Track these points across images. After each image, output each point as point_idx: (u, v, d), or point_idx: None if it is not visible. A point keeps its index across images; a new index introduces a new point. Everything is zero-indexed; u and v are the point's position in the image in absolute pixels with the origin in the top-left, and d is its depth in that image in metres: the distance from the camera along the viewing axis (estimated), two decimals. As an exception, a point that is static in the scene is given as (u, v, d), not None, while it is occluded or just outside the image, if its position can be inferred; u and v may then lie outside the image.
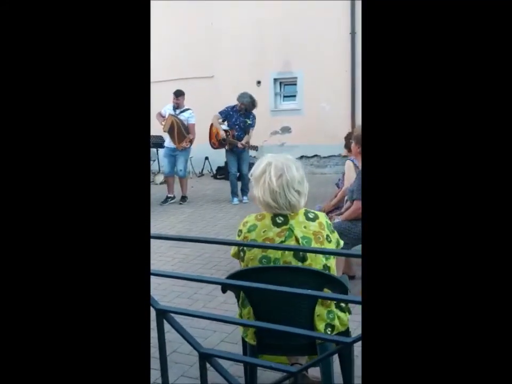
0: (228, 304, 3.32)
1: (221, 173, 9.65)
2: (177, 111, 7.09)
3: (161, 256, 4.67)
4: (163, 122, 6.98)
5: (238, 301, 2.07)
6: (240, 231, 2.01)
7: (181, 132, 6.92)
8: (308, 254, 1.92)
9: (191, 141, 7.03)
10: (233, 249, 2.08)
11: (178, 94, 7.05)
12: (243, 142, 6.94)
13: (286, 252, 1.91)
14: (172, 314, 1.36)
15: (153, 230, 5.45)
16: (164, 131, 6.98)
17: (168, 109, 7.13)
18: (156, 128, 8.04)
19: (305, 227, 1.94)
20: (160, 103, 7.38)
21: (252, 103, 6.93)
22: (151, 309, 1.26)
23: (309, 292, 1.56)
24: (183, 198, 7.33)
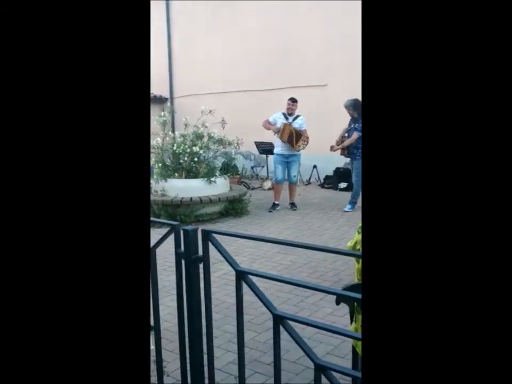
0: (335, 316, 3.24)
1: (329, 182, 9.54)
2: (290, 119, 7.15)
3: (267, 261, 4.71)
4: (277, 132, 7.06)
5: (352, 314, 1.99)
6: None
7: (299, 139, 7.02)
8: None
9: (307, 141, 7.08)
10: (352, 241, 2.01)
11: (295, 100, 7.14)
12: (344, 145, 6.85)
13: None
14: (289, 321, 1.34)
15: (261, 235, 5.54)
16: (283, 141, 7.07)
17: (278, 118, 7.20)
18: (266, 136, 8.21)
19: None
20: (271, 110, 7.50)
21: (354, 106, 6.77)
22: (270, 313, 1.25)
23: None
24: (293, 205, 7.37)
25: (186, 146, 6.74)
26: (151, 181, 7.11)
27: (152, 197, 6.75)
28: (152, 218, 4.62)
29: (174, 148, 6.81)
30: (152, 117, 8.89)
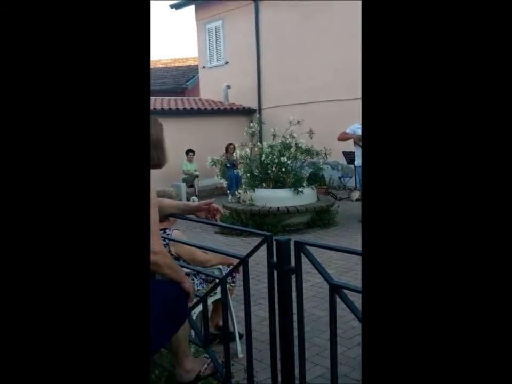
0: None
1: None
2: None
3: (356, 274, 4.60)
4: (359, 140, 6.90)
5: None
6: None
7: None
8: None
9: None
10: None
11: None
12: None
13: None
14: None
15: (349, 247, 5.42)
16: None
17: (357, 128, 7.02)
18: (354, 146, 8.04)
19: None
20: (358, 120, 7.34)
21: None
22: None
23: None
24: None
25: (274, 156, 6.81)
26: (239, 191, 7.26)
27: (240, 207, 6.88)
28: (242, 228, 4.68)
29: (262, 158, 6.90)
30: (240, 128, 9.13)
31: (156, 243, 1.79)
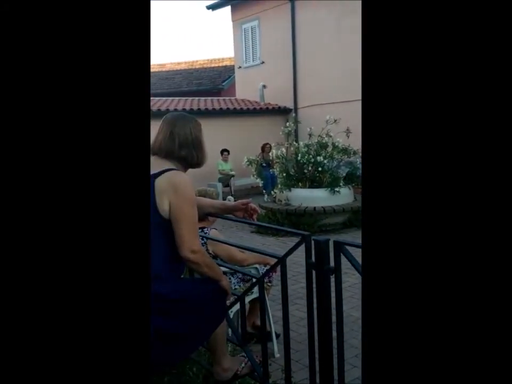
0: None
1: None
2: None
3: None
4: None
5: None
6: None
7: None
8: None
9: None
10: None
11: None
12: None
13: None
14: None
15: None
16: None
17: None
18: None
19: None
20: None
21: None
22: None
23: None
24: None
25: (311, 156, 6.77)
26: (275, 191, 7.25)
27: (275, 206, 6.87)
28: (280, 227, 4.66)
29: (298, 158, 6.87)
30: (276, 128, 9.11)
31: (195, 242, 1.80)
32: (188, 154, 1.93)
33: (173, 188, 1.79)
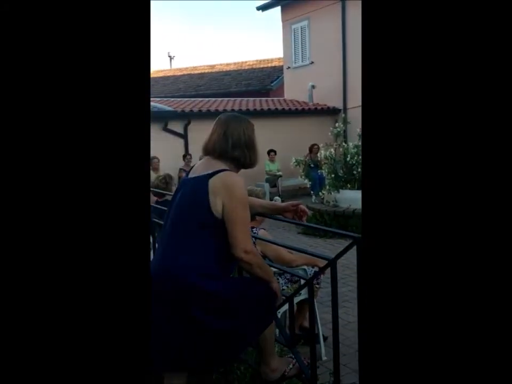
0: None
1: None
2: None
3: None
4: None
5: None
6: None
7: None
8: None
9: None
10: None
11: None
12: None
13: None
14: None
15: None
16: None
17: None
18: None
19: None
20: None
21: None
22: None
23: None
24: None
25: (360, 157, 6.66)
26: (323, 192, 7.20)
27: (323, 207, 6.82)
28: (331, 229, 4.58)
29: (347, 159, 6.79)
30: (325, 128, 9.04)
31: (247, 242, 1.81)
32: (241, 154, 1.94)
33: (227, 189, 1.81)
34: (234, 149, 1.93)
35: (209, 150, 1.95)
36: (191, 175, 1.99)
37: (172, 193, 3.88)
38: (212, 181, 1.82)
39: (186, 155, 9.58)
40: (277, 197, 8.63)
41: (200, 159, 2.07)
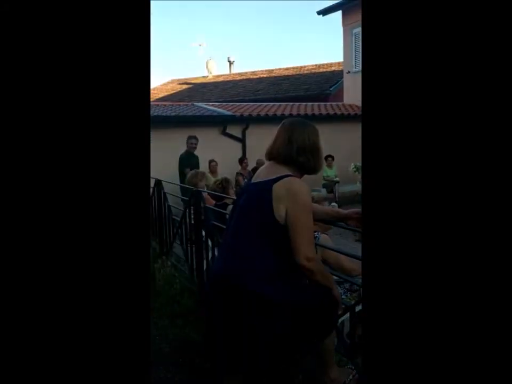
0: None
1: None
2: None
3: None
4: None
5: None
6: None
7: None
8: None
9: None
10: None
11: None
12: None
13: None
14: None
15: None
16: None
17: None
18: None
19: None
20: None
21: None
22: None
23: None
24: None
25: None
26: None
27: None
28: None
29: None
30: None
31: (310, 249, 1.79)
32: (305, 160, 1.92)
33: (291, 195, 1.79)
34: (299, 154, 1.91)
35: (274, 155, 1.95)
36: (254, 179, 1.99)
37: (230, 197, 3.93)
38: (276, 186, 1.81)
39: (243, 159, 9.67)
40: (334, 203, 8.52)
41: (257, 163, 2.06)
